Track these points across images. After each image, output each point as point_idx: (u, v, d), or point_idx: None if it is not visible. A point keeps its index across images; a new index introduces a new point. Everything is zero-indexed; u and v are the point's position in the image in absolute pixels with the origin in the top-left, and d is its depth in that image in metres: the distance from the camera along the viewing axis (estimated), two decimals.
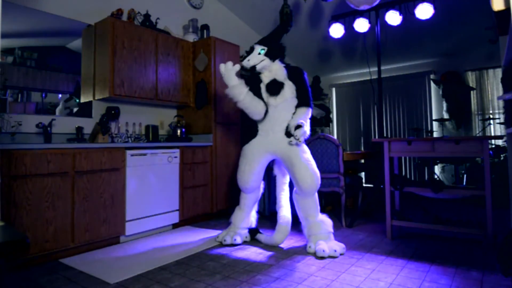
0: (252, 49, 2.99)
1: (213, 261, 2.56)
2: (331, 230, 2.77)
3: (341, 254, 2.64)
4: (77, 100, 3.47)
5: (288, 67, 3.01)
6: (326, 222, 2.79)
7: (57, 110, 3.30)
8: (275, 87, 2.93)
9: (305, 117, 2.84)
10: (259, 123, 3.03)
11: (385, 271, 2.30)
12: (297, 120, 2.80)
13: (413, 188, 3.06)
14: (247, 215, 3.10)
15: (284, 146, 2.86)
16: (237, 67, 2.92)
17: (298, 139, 2.69)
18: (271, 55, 2.93)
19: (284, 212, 2.95)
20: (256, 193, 3.11)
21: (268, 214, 4.01)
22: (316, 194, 2.84)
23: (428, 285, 2.06)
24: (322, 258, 2.57)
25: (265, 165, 3.06)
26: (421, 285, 2.07)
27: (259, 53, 2.92)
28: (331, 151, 3.53)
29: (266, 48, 2.92)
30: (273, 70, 2.96)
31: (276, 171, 3.11)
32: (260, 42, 3.00)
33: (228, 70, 2.90)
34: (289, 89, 2.91)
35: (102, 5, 3.63)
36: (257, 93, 2.99)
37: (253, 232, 3.09)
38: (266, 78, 2.99)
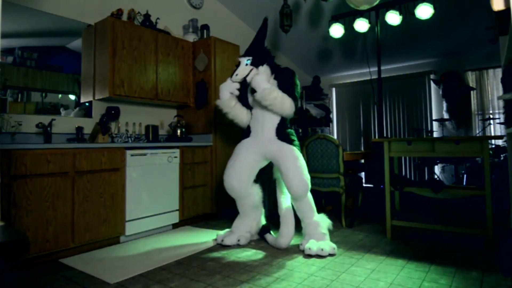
0: (239, 63, 2.96)
1: (213, 261, 2.56)
2: (324, 231, 2.76)
3: (330, 255, 2.62)
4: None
5: (278, 68, 3.01)
6: (321, 223, 2.79)
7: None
8: None
9: (274, 88, 2.79)
10: (250, 123, 3.07)
11: (385, 271, 2.30)
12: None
13: (413, 188, 3.06)
14: (246, 221, 3.07)
15: (274, 149, 2.85)
16: (235, 85, 2.94)
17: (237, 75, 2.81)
18: (257, 62, 2.92)
19: (286, 215, 2.88)
20: (250, 199, 3.04)
21: (267, 214, 4.00)
22: (310, 196, 2.82)
23: (428, 285, 2.06)
24: (309, 256, 2.63)
25: (255, 166, 3.02)
26: (421, 285, 2.07)
27: (246, 64, 2.90)
28: (331, 151, 3.53)
29: (251, 58, 2.90)
30: (262, 74, 2.95)
31: (276, 174, 3.10)
32: (244, 54, 2.97)
33: (222, 86, 2.99)
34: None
35: (102, 5, 3.63)
36: (246, 96, 3.09)
37: (264, 229, 3.07)
38: None
